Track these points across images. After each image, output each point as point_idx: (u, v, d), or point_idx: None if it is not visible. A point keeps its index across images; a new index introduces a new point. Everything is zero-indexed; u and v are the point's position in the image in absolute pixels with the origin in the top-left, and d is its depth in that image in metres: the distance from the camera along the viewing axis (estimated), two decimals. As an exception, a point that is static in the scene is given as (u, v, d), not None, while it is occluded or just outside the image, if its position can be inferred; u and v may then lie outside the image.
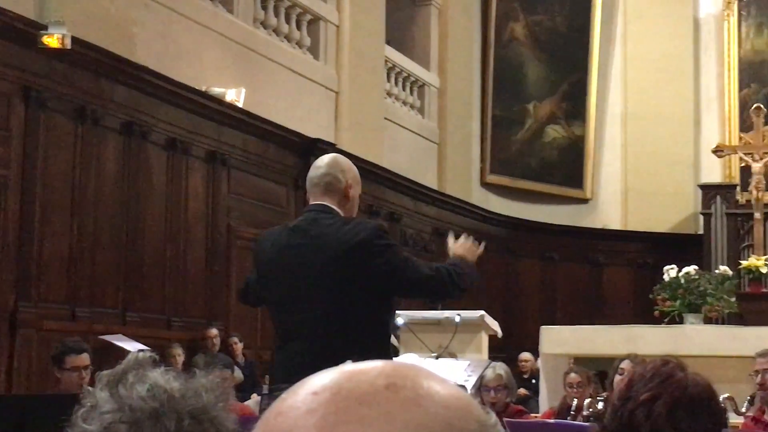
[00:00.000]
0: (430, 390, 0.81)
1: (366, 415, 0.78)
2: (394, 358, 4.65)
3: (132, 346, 9.51)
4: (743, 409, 6.27)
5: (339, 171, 4.60)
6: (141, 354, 1.73)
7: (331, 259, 4.39)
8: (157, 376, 1.21)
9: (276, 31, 13.80)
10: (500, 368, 7.39)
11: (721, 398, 6.41)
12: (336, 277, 4.38)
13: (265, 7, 13.60)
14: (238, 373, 11.14)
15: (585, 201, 20.62)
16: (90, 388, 1.59)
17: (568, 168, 20.46)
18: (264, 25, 13.57)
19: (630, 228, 20.38)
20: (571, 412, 7.24)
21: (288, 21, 14.06)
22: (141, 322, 10.88)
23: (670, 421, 2.51)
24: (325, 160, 4.71)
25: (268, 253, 4.62)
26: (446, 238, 4.94)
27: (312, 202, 4.61)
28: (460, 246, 4.78)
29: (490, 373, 6.90)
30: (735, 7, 20.62)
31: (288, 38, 14.05)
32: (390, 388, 0.80)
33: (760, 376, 5.90)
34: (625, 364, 6.69)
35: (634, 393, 2.57)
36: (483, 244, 4.89)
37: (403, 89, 17.25)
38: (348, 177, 4.61)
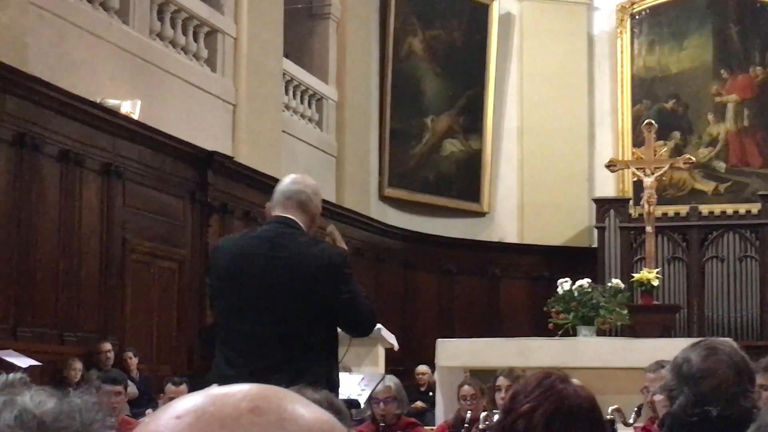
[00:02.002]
0: (294, 413, 0.81)
1: None
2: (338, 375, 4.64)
3: (23, 361, 9.33)
4: (631, 420, 6.37)
5: (312, 193, 4.63)
6: (11, 376, 1.69)
7: (300, 275, 4.37)
8: (27, 400, 1.17)
9: (172, 43, 13.69)
10: (390, 380, 7.40)
11: (609, 410, 6.52)
12: (301, 293, 4.37)
13: (161, 19, 13.48)
14: (133, 389, 10.98)
15: (482, 214, 20.80)
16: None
17: (465, 182, 20.62)
18: (160, 36, 13.45)
19: (526, 241, 20.61)
20: (466, 425, 7.27)
21: (185, 33, 13.96)
22: (33, 337, 10.68)
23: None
24: (301, 177, 4.75)
25: (227, 260, 4.56)
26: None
27: (277, 213, 4.57)
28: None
29: (379, 386, 6.91)
30: (627, 24, 21.02)
31: (185, 50, 13.95)
32: (254, 412, 0.80)
33: (649, 391, 6.00)
34: (501, 381, 6.74)
35: (517, 405, 2.62)
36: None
37: (301, 102, 17.23)
38: (318, 201, 4.67)
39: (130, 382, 10.76)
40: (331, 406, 2.83)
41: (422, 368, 14.86)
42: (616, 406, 6.07)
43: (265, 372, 4.11)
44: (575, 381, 2.80)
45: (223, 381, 4.24)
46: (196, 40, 14.20)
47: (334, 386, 4.23)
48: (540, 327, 12.97)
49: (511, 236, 20.80)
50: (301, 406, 0.82)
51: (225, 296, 4.56)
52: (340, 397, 4.98)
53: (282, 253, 4.43)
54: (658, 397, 5.39)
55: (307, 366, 4.29)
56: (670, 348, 5.94)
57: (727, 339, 3.94)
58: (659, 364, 6.10)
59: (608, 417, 6.25)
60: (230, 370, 4.40)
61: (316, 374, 4.22)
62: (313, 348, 4.37)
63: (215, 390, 0.84)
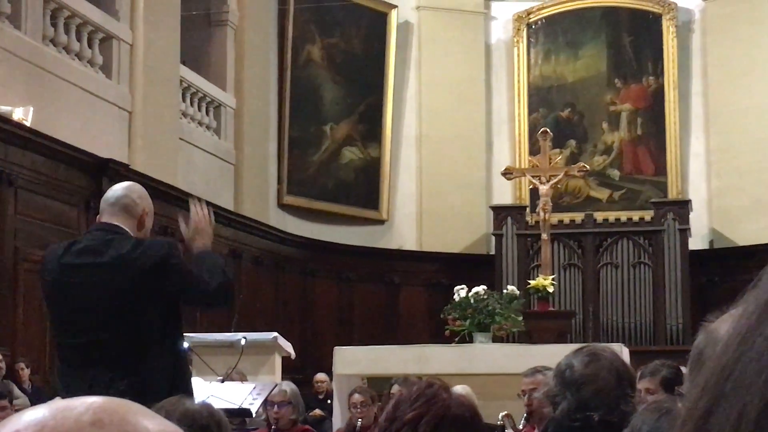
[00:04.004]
0: (138, 426, 0.80)
1: None
2: (191, 380, 4.62)
3: None
4: (520, 426, 6.45)
5: (137, 197, 4.61)
6: None
7: (125, 278, 4.34)
8: None
9: (66, 49, 13.49)
10: (286, 385, 7.39)
11: (499, 416, 6.58)
12: (127, 296, 4.34)
13: (54, 24, 13.27)
14: (25, 401, 10.78)
15: (381, 222, 20.86)
16: None
17: (364, 189, 20.68)
18: (54, 42, 13.24)
19: (425, 249, 20.71)
20: (357, 433, 7.30)
21: (79, 39, 13.77)
22: None
23: None
24: (124, 184, 4.75)
25: (51, 272, 4.53)
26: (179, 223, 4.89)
27: (103, 221, 4.54)
28: (192, 230, 4.75)
29: (275, 390, 6.89)
30: (524, 34, 21.28)
31: (79, 56, 13.75)
32: (96, 425, 0.79)
33: (527, 396, 6.08)
34: (395, 389, 6.78)
35: (400, 414, 2.64)
36: (212, 213, 4.89)
37: (199, 109, 17.11)
38: (144, 204, 4.63)
39: (21, 394, 10.61)
40: (211, 416, 2.82)
41: (320, 376, 14.86)
42: (505, 412, 6.14)
43: (100, 379, 4.11)
44: (463, 388, 2.83)
45: (67, 393, 4.23)
46: (90, 46, 14.01)
47: (179, 386, 4.19)
48: (438, 334, 13.06)
49: (409, 244, 20.89)
50: (145, 418, 0.81)
51: (54, 308, 4.55)
52: (231, 406, 4.96)
53: (104, 259, 4.41)
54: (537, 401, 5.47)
55: (140, 367, 4.28)
56: (565, 353, 6.02)
57: (609, 345, 4.02)
58: (535, 369, 6.20)
59: (498, 423, 6.32)
60: (70, 381, 4.38)
61: (153, 375, 4.22)
62: (147, 349, 4.36)
63: (58, 403, 0.82)
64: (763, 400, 0.69)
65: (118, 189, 4.64)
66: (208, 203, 15.26)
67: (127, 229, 4.51)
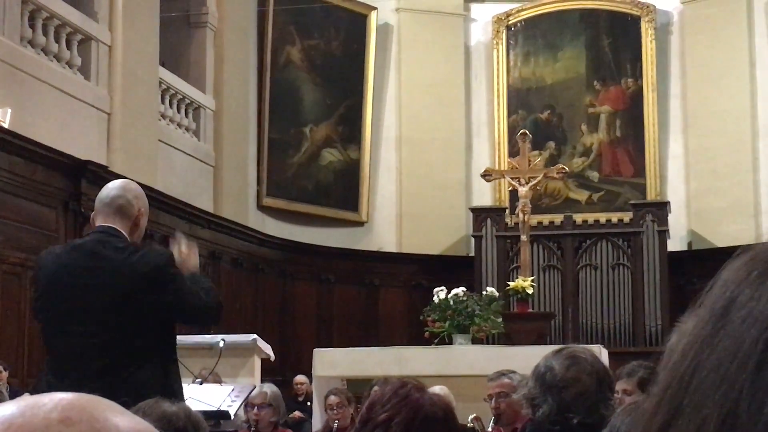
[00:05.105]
0: (107, 423, 0.79)
1: None
2: (182, 391, 4.59)
3: None
4: (489, 429, 6.45)
5: (132, 196, 4.55)
6: None
7: (120, 285, 4.32)
8: None
9: (45, 51, 13.43)
10: (267, 387, 7.38)
11: (469, 418, 6.58)
12: (124, 303, 4.32)
13: (32, 26, 13.21)
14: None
15: (361, 224, 20.86)
16: None
17: (343, 191, 20.67)
18: (32, 43, 13.18)
19: (405, 250, 20.72)
20: (333, 434, 7.29)
21: (57, 40, 13.70)
22: None
23: None
24: (118, 183, 4.67)
25: (49, 273, 4.49)
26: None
27: (99, 222, 4.51)
28: (181, 263, 4.73)
29: (255, 391, 6.88)
30: (503, 36, 21.32)
31: (57, 58, 13.69)
32: (65, 422, 0.78)
33: (493, 399, 6.09)
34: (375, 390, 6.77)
35: (374, 414, 2.64)
36: (193, 243, 4.88)
37: (178, 111, 17.06)
38: (140, 204, 4.57)
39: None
40: (189, 418, 2.81)
41: (300, 378, 14.85)
42: (474, 415, 6.15)
43: (87, 382, 4.08)
44: (441, 389, 2.83)
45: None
46: (69, 47, 13.96)
47: (170, 393, 4.19)
48: (417, 336, 13.08)
49: (389, 245, 20.89)
50: (115, 415, 0.80)
51: (48, 309, 4.52)
52: (208, 408, 4.94)
53: (101, 263, 4.39)
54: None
55: (132, 373, 4.26)
56: (544, 355, 6.03)
57: (588, 346, 4.02)
58: (501, 373, 6.22)
59: (468, 425, 6.32)
60: (55, 381, 4.35)
61: (144, 381, 4.20)
62: (140, 356, 4.34)
63: (27, 399, 0.81)
64: (722, 413, 0.67)
65: (113, 188, 4.57)
66: (187, 205, 15.17)
67: (123, 232, 4.48)
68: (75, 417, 0.78)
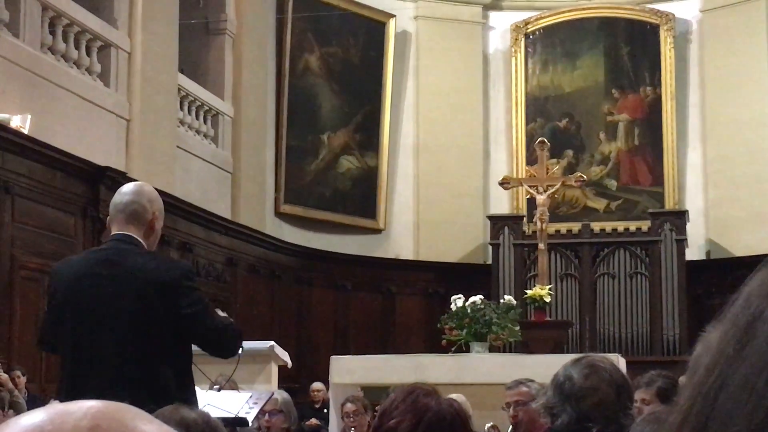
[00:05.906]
0: (136, 431, 0.79)
1: None
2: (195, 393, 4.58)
3: None
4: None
5: (146, 200, 4.50)
6: None
7: (138, 295, 4.29)
8: None
9: (65, 57, 13.48)
10: (278, 393, 7.36)
11: (486, 426, 6.55)
12: (140, 313, 4.30)
13: (53, 32, 13.26)
14: (22, 409, 10.76)
15: (378, 231, 20.85)
16: None
17: (361, 198, 20.67)
18: (52, 50, 13.23)
19: (422, 258, 20.70)
20: (350, 442, 7.28)
21: (77, 47, 13.76)
22: None
23: None
24: (131, 187, 4.60)
25: (66, 282, 4.46)
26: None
27: (114, 230, 4.48)
28: None
29: (272, 398, 6.88)
30: (522, 44, 21.30)
31: (77, 64, 13.74)
32: (94, 430, 0.78)
33: (511, 408, 6.07)
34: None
35: (385, 421, 2.64)
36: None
37: (197, 118, 17.10)
38: (155, 208, 4.52)
39: (19, 403, 10.55)
40: (207, 425, 2.81)
41: (317, 385, 14.82)
42: (491, 424, 6.12)
43: (106, 389, 4.06)
44: (458, 397, 2.84)
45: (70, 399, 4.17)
46: (89, 54, 14.01)
47: (184, 401, 4.18)
48: (434, 343, 13.05)
49: (406, 253, 20.88)
50: (144, 423, 0.80)
51: (65, 319, 4.47)
52: (227, 415, 4.94)
53: (117, 271, 4.36)
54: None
55: (148, 380, 4.25)
56: (562, 364, 6.01)
57: (606, 355, 4.01)
58: (519, 381, 6.20)
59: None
60: (74, 389, 4.34)
61: (161, 390, 4.17)
62: (157, 365, 4.32)
63: (56, 407, 0.81)
64: (750, 428, 0.67)
65: (126, 193, 4.51)
66: (205, 211, 15.19)
67: (139, 239, 4.45)
68: (104, 425, 0.78)
